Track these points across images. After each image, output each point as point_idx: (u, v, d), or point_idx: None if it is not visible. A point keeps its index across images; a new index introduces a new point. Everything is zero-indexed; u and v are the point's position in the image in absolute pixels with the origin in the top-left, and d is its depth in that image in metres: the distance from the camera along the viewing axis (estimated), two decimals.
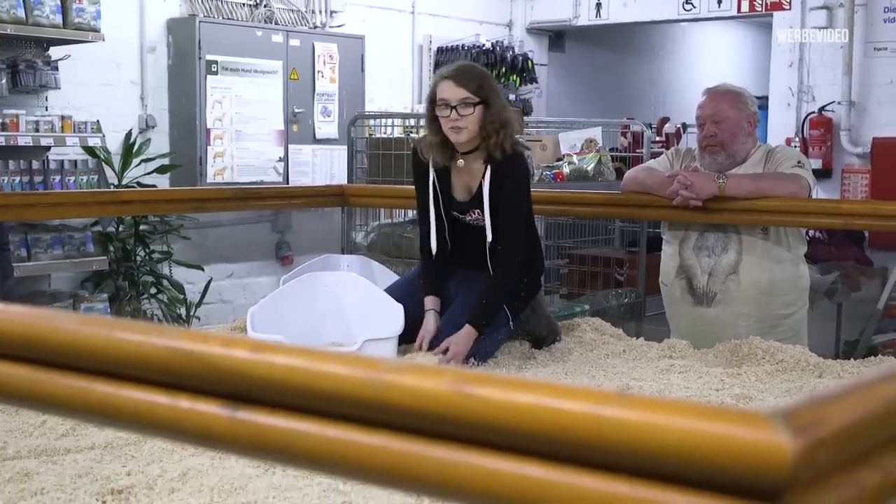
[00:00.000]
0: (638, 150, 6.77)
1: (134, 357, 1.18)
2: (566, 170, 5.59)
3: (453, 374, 0.96)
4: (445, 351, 3.54)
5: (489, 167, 3.58)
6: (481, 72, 3.69)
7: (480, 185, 3.61)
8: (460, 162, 3.66)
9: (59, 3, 6.09)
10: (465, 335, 3.55)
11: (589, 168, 5.61)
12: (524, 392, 0.93)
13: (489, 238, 3.62)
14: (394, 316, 3.61)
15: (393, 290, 3.82)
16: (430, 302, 3.74)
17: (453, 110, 3.51)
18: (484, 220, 3.63)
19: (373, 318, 3.65)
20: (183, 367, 1.14)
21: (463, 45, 8.90)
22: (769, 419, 0.86)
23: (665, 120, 9.24)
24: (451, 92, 3.52)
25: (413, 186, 3.88)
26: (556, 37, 10.49)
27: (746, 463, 0.86)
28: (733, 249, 3.96)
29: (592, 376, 3.50)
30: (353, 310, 3.77)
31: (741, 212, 3.89)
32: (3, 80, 6.00)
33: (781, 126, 8.61)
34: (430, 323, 3.68)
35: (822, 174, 8.26)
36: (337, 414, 1.05)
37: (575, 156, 5.73)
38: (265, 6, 7.78)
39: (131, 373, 1.19)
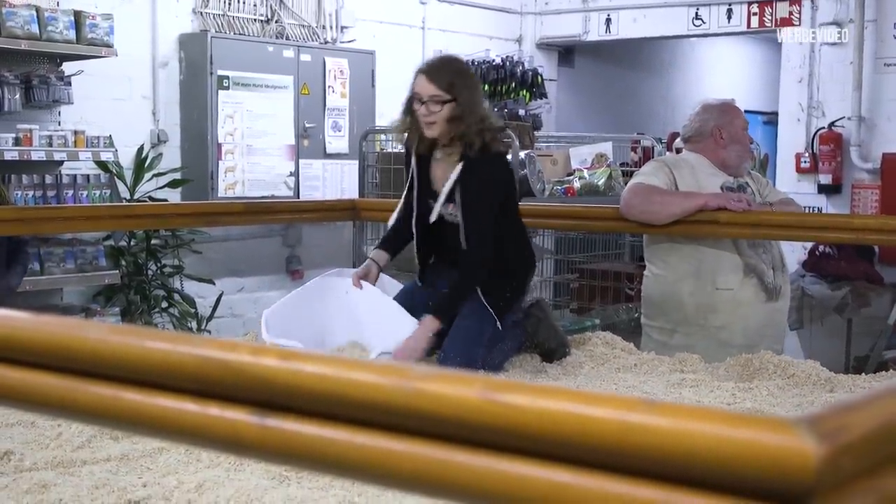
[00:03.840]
0: None
1: (163, 365, 1.20)
2: (577, 184, 5.61)
3: (482, 382, 0.98)
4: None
5: (462, 164, 3.60)
6: (457, 69, 3.67)
7: (455, 179, 3.63)
8: (437, 154, 3.71)
9: (72, 18, 6.14)
10: (423, 327, 3.55)
11: (599, 183, 5.63)
12: (552, 399, 0.95)
13: (462, 240, 3.64)
14: (406, 328, 3.63)
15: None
16: (376, 253, 3.86)
17: (423, 105, 3.55)
18: (458, 216, 3.65)
19: (385, 329, 3.65)
20: (212, 375, 1.16)
21: (473, 59, 8.92)
22: (794, 425, 0.87)
23: (675, 135, 9.21)
24: (423, 87, 3.56)
25: None
26: (566, 52, 10.53)
27: (771, 468, 0.87)
28: (774, 244, 4.08)
29: (604, 390, 3.51)
30: (366, 318, 3.77)
31: (757, 226, 3.91)
32: (17, 96, 6.04)
33: (791, 141, 8.63)
34: (363, 267, 3.83)
35: (832, 190, 8.27)
36: (366, 421, 1.06)
37: (585, 171, 5.76)
38: (276, 22, 7.82)
39: (161, 381, 1.21)
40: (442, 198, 3.63)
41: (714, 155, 4.12)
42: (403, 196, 3.93)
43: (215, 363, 1.15)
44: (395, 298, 3.82)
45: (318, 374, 1.09)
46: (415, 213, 3.78)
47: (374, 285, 3.82)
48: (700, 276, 4.06)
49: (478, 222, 3.63)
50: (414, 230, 3.80)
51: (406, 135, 3.80)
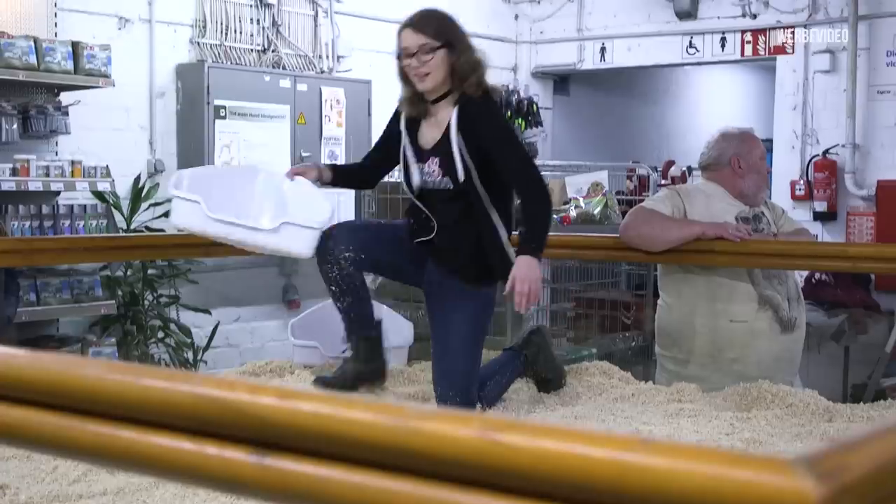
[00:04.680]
0: (644, 193, 6.81)
1: (160, 404, 1.20)
2: (573, 213, 5.62)
3: (480, 422, 0.98)
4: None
5: (456, 110, 3.46)
6: (441, 15, 3.57)
7: (446, 133, 3.48)
8: (429, 113, 3.56)
9: (70, 49, 6.15)
10: (525, 266, 3.35)
11: (595, 212, 5.64)
12: (550, 439, 0.95)
13: (460, 175, 3.44)
14: (322, 210, 3.58)
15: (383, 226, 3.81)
16: (325, 164, 3.81)
17: (414, 57, 3.43)
18: (446, 176, 3.48)
19: (300, 209, 3.59)
20: (209, 414, 1.16)
21: None
22: (793, 465, 0.87)
23: (671, 163, 9.29)
24: (411, 39, 3.45)
25: None
26: (561, 80, 10.57)
27: None
28: (791, 275, 4.06)
29: (602, 420, 3.50)
30: (286, 200, 3.71)
31: (752, 255, 3.91)
32: (15, 126, 6.05)
33: (786, 169, 8.66)
34: (303, 165, 3.81)
35: (828, 217, 8.30)
36: (364, 460, 1.06)
37: (581, 199, 5.77)
38: (273, 51, 7.85)
39: (158, 419, 1.21)
40: (454, 140, 3.43)
41: (731, 184, 4.11)
42: (373, 148, 3.88)
43: (213, 402, 1.15)
44: (388, 223, 3.79)
45: (315, 413, 1.09)
46: (403, 180, 3.65)
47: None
48: (714, 308, 4.03)
49: (513, 155, 3.47)
50: (409, 193, 3.65)
51: (400, 102, 3.68)
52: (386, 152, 3.75)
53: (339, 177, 3.83)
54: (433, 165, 3.51)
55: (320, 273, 3.50)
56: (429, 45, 3.42)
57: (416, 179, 3.57)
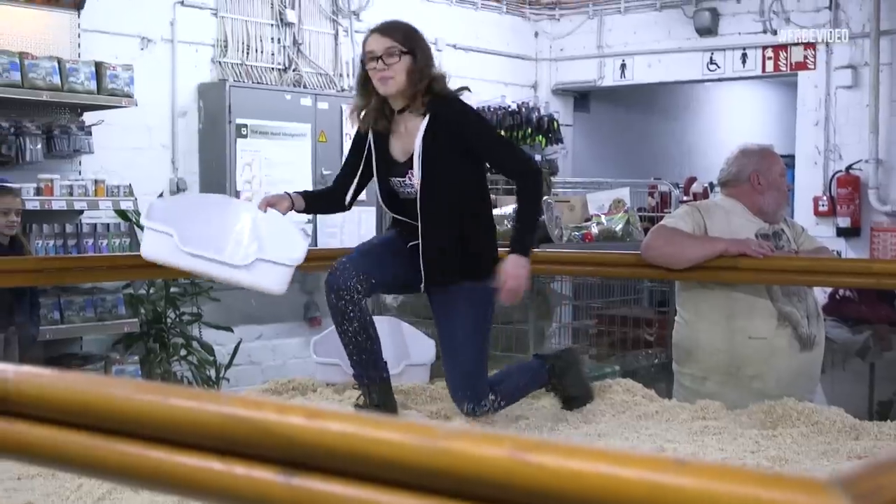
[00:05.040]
0: (666, 210, 6.79)
1: (188, 423, 1.20)
2: (595, 230, 5.61)
3: (511, 441, 0.97)
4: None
5: (426, 119, 3.47)
6: (408, 25, 3.59)
7: (422, 138, 3.48)
8: (397, 124, 3.54)
9: (93, 69, 6.20)
10: (513, 264, 3.45)
11: (617, 228, 5.62)
12: (582, 459, 0.94)
13: (439, 182, 3.47)
14: (297, 248, 3.54)
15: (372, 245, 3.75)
16: (295, 194, 3.69)
17: (379, 60, 3.43)
18: (420, 183, 3.48)
19: (276, 245, 3.56)
20: (237, 434, 1.15)
21: (489, 106, 8.97)
22: (828, 486, 0.86)
23: (692, 179, 9.27)
24: (377, 43, 3.46)
25: None
26: (581, 97, 10.58)
27: None
28: (810, 292, 4.02)
29: (626, 438, 3.48)
30: (261, 236, 3.67)
31: (776, 272, 3.89)
32: (39, 146, 6.10)
33: (809, 184, 8.62)
34: (275, 196, 3.67)
35: (851, 233, 8.25)
36: (392, 480, 1.06)
37: (603, 216, 5.75)
38: (294, 70, 7.89)
39: (186, 439, 1.21)
40: (418, 145, 3.45)
41: (751, 201, 4.09)
42: (341, 170, 3.81)
43: (241, 421, 1.15)
44: (383, 239, 3.73)
45: (344, 433, 1.08)
46: (379, 195, 3.63)
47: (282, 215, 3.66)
48: (732, 324, 4.00)
49: (496, 147, 3.57)
50: (385, 208, 3.66)
51: (362, 116, 3.62)
52: (355, 173, 3.71)
53: (312, 203, 3.81)
54: (412, 178, 3.52)
55: (331, 310, 3.51)
56: (395, 48, 3.43)
57: (396, 192, 3.58)
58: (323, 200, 3.91)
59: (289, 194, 3.69)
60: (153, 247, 3.50)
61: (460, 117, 3.52)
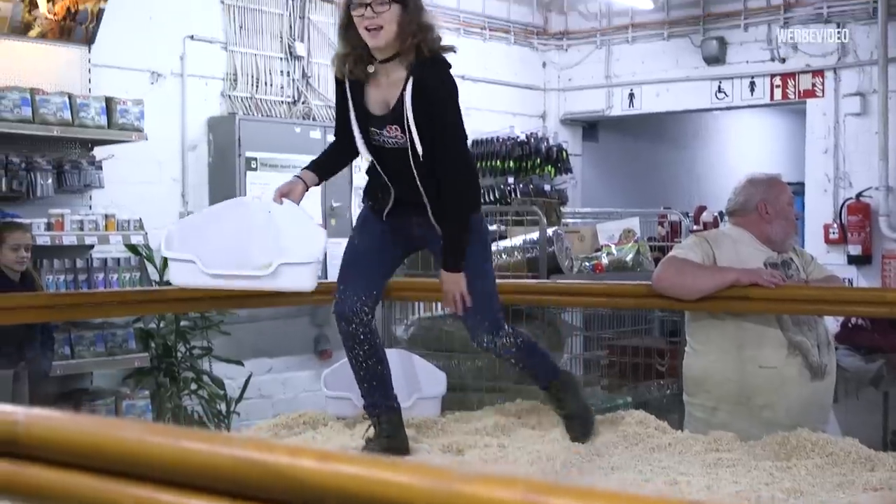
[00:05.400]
0: (676, 239, 6.78)
1: (200, 466, 1.19)
2: (605, 260, 5.60)
3: (524, 484, 0.96)
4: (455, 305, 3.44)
5: (411, 78, 3.29)
6: None
7: (401, 98, 3.32)
8: (370, 68, 3.35)
9: (104, 104, 6.24)
10: (449, 281, 3.41)
11: (628, 258, 5.62)
12: (596, 502, 0.93)
13: (420, 151, 3.34)
14: (316, 242, 3.52)
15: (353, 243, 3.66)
16: (305, 173, 3.58)
17: (368, 7, 3.22)
18: (405, 137, 3.35)
19: (296, 244, 3.51)
20: (249, 477, 1.15)
21: (497, 136, 8.97)
22: None
23: (702, 208, 9.25)
24: None
25: None
26: (590, 127, 10.60)
27: None
28: (820, 321, 4.00)
29: (639, 471, 3.45)
30: (286, 234, 3.60)
31: (787, 301, 3.87)
32: (50, 181, 6.12)
33: (819, 212, 8.61)
34: (288, 183, 3.54)
35: (863, 260, 8.23)
36: None
37: (613, 246, 5.75)
38: (303, 103, 7.92)
39: (197, 482, 1.20)
40: (409, 115, 3.30)
41: (758, 230, 4.09)
42: (335, 124, 3.65)
43: (252, 464, 1.14)
44: (362, 237, 3.63)
45: (356, 476, 1.08)
46: (357, 140, 3.48)
47: (297, 204, 3.55)
48: (742, 354, 3.99)
49: (449, 140, 3.38)
50: (363, 152, 3.51)
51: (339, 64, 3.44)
52: (346, 121, 3.53)
53: (324, 170, 3.67)
54: (393, 131, 3.37)
55: (342, 335, 3.51)
56: None
57: (373, 141, 3.44)
58: (332, 161, 3.73)
59: (299, 177, 3.57)
60: (179, 275, 3.54)
61: (437, 84, 3.34)
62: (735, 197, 4.17)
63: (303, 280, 3.46)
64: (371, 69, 3.36)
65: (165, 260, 6.58)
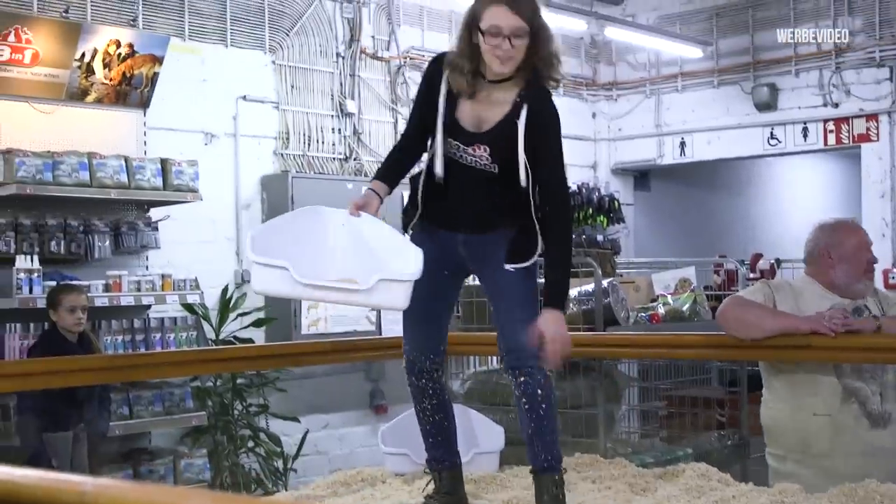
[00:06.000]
0: (732, 288, 6.70)
1: None
2: (661, 311, 5.54)
3: None
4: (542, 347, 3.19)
5: (525, 105, 3.20)
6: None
7: (506, 121, 3.21)
8: (479, 85, 3.24)
9: (159, 166, 6.33)
10: (554, 323, 3.19)
11: (684, 308, 5.55)
12: None
13: (523, 183, 3.22)
14: (411, 258, 3.31)
15: None
16: (376, 184, 3.39)
17: (506, 40, 3.11)
18: (491, 159, 3.24)
19: (388, 259, 3.36)
20: None
21: None
22: None
23: (758, 256, 9.15)
24: (506, 19, 3.12)
25: None
26: (641, 176, 10.57)
27: None
28: (891, 368, 3.90)
29: None
30: (365, 248, 3.42)
31: (851, 350, 3.80)
32: (107, 243, 6.21)
33: (877, 257, 8.47)
34: (363, 197, 3.34)
35: None
36: None
37: (669, 296, 5.68)
38: (355, 159, 7.98)
39: None
40: (521, 142, 3.20)
41: (825, 277, 4.02)
42: (409, 122, 3.53)
43: None
44: (419, 280, 3.32)
45: None
46: (437, 155, 3.31)
47: (375, 217, 3.37)
48: (798, 401, 3.94)
49: (563, 175, 3.32)
50: (436, 172, 3.32)
51: (436, 60, 3.35)
52: (425, 122, 3.36)
53: (394, 178, 3.47)
54: (479, 150, 3.26)
55: (411, 389, 3.47)
56: (523, 29, 3.13)
57: (447, 152, 3.31)
58: (399, 165, 3.52)
59: (373, 190, 3.37)
60: (265, 282, 3.31)
61: (552, 114, 3.29)
62: (806, 245, 4.12)
63: (398, 298, 3.27)
64: (482, 92, 3.26)
65: (223, 315, 6.66)
